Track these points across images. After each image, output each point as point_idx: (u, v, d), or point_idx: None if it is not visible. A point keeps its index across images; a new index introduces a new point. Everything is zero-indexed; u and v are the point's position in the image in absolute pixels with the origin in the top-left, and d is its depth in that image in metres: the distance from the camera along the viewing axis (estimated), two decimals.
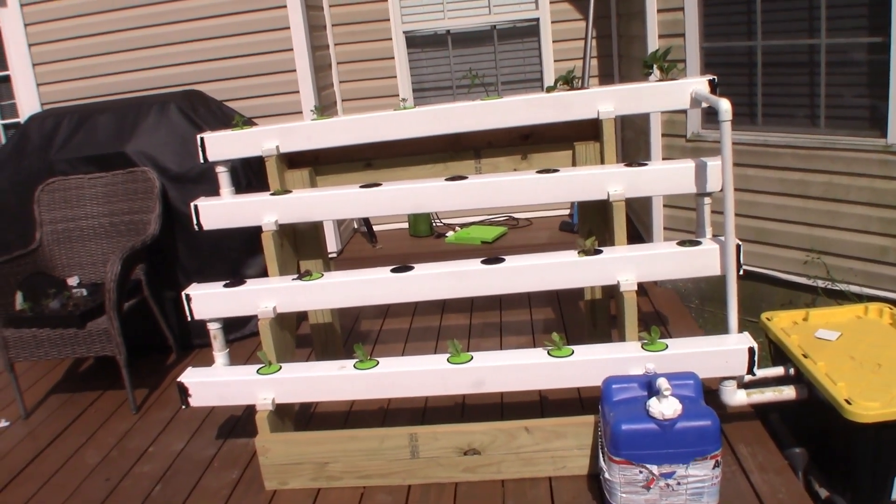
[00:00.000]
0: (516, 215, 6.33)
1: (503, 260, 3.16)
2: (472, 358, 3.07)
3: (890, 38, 3.80)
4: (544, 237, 5.79)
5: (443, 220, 6.37)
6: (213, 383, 3.26)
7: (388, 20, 6.12)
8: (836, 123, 4.21)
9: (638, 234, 5.52)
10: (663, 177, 3.18)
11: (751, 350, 2.96)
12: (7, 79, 5.97)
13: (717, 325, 4.79)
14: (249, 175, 4.49)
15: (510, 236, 5.88)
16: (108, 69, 5.68)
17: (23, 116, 5.75)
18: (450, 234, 6.00)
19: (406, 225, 6.32)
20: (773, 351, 3.49)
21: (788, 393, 3.19)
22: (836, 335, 3.34)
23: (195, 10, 5.47)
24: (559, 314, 4.70)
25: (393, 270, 3.23)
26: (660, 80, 3.28)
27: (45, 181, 4.46)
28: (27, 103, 5.80)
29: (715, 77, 3.17)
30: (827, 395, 2.89)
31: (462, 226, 6.22)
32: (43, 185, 4.44)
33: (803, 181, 4.32)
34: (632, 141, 5.76)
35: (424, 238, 6.10)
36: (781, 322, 3.52)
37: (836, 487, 2.99)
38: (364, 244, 6.10)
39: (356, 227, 6.51)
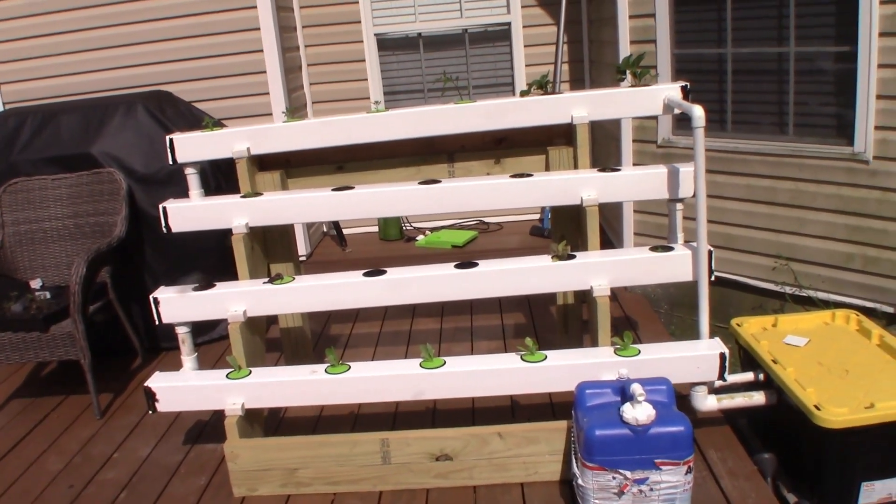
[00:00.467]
0: (487, 219, 6.33)
1: (477, 265, 3.15)
2: (444, 363, 3.06)
3: (857, 47, 3.85)
4: (515, 241, 5.79)
5: (413, 224, 6.34)
6: (182, 388, 3.21)
7: (360, 22, 6.09)
8: (803, 131, 4.26)
9: (608, 238, 5.54)
10: (636, 182, 3.19)
11: (722, 355, 2.98)
12: None
13: (685, 330, 4.82)
14: (219, 178, 4.43)
15: (480, 240, 5.88)
16: (73, 68, 5.58)
17: None
18: (420, 237, 5.99)
19: (376, 228, 6.29)
20: (743, 356, 3.52)
21: (758, 398, 3.21)
22: (805, 341, 3.37)
23: (163, 9, 5.39)
24: (530, 319, 4.70)
25: (366, 274, 3.21)
26: (632, 86, 3.30)
27: (7, 182, 4.36)
28: None
29: (688, 84, 3.19)
30: (796, 401, 2.91)
31: (432, 229, 6.20)
32: (5, 186, 4.35)
33: (771, 188, 4.36)
34: (601, 146, 5.78)
35: (394, 242, 6.08)
36: (751, 328, 3.54)
37: (805, 493, 3.01)
38: (333, 247, 6.06)
39: (325, 230, 6.47)
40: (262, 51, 5.37)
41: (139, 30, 5.44)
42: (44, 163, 4.43)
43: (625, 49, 4.75)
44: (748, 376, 3.32)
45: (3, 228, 4.33)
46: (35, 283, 4.23)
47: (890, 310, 4.00)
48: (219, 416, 3.65)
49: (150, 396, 3.21)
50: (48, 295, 4.09)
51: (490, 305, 4.94)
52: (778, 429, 3.22)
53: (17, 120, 4.57)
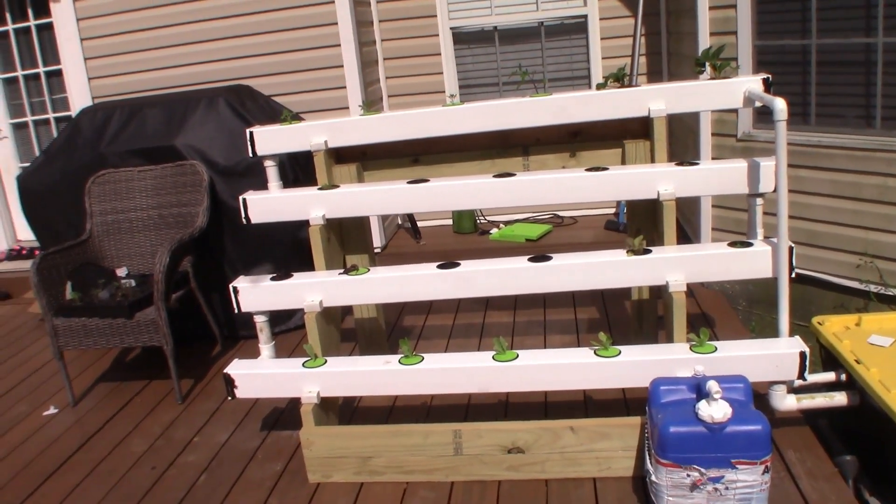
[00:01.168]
0: (561, 213, 6.29)
1: (551, 258, 3.14)
2: (517, 356, 3.06)
3: None
4: (589, 236, 5.75)
5: (487, 217, 6.35)
6: (260, 375, 3.29)
7: (435, 16, 6.11)
8: (892, 125, 4.11)
9: (684, 234, 5.45)
10: (715, 177, 3.13)
11: (802, 354, 2.90)
12: (59, 73, 6.09)
13: (764, 329, 4.71)
14: (296, 170, 4.51)
15: (555, 234, 5.85)
16: (158, 64, 5.75)
17: (74, 110, 5.85)
18: (494, 231, 5.99)
19: (450, 221, 6.31)
20: (824, 356, 3.42)
21: (840, 399, 3.12)
22: (890, 341, 3.26)
23: (243, 5, 5.51)
24: (604, 313, 4.66)
25: (439, 267, 3.23)
26: (712, 79, 3.24)
27: (95, 173, 4.53)
28: (78, 97, 5.89)
29: (769, 76, 3.12)
30: (880, 403, 2.82)
31: (506, 223, 6.20)
32: (94, 177, 4.51)
33: (857, 183, 4.23)
34: (679, 140, 5.69)
35: (468, 235, 6.09)
36: (833, 326, 3.44)
37: (888, 497, 2.93)
38: (408, 240, 6.11)
39: (400, 222, 6.52)
40: (339, 45, 5.44)
41: (220, 25, 5.58)
42: (130, 155, 4.58)
43: (704, 41, 4.66)
44: (829, 376, 3.24)
45: (92, 218, 4.49)
46: (121, 272, 4.38)
47: None
48: (295, 403, 3.72)
49: (229, 383, 3.30)
50: (133, 283, 4.23)
51: (563, 299, 4.91)
52: (860, 431, 3.13)
53: (105, 113, 4.73)
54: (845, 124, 4.31)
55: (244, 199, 3.49)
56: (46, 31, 6.08)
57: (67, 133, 4.78)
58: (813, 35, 4.33)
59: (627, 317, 4.52)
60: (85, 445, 3.72)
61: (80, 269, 4.32)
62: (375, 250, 5.69)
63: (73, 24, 5.77)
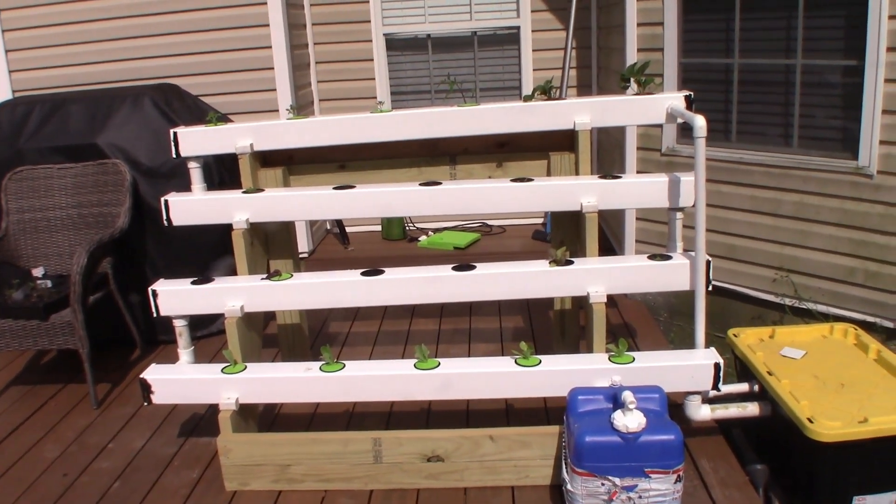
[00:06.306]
0: (490, 222, 6.33)
1: (474, 267, 3.16)
2: (439, 364, 3.06)
3: (864, 61, 3.85)
4: (517, 245, 5.80)
5: (416, 225, 6.35)
6: (177, 381, 3.22)
7: (369, 22, 6.10)
8: (808, 144, 4.25)
9: (610, 245, 5.54)
10: (637, 190, 3.19)
11: (717, 366, 2.97)
12: None
13: (684, 339, 4.81)
14: (222, 172, 4.44)
15: (483, 243, 5.88)
16: (82, 59, 5.60)
17: None
18: (423, 238, 5.99)
19: (379, 228, 6.30)
20: (739, 367, 3.52)
21: (752, 409, 3.21)
22: (802, 354, 3.37)
23: (174, 2, 5.41)
24: (528, 322, 4.70)
25: (363, 273, 3.22)
26: (637, 94, 3.30)
27: (13, 169, 4.38)
28: None
29: (691, 93, 3.19)
30: (790, 413, 2.91)
31: (435, 230, 6.21)
32: (10, 174, 4.37)
33: (775, 199, 4.36)
34: (606, 153, 5.78)
35: (397, 241, 6.09)
36: (748, 339, 3.54)
37: None
38: (336, 245, 6.07)
39: (328, 228, 6.48)
40: (270, 47, 5.38)
41: (149, 22, 5.47)
42: (50, 152, 4.45)
43: (632, 56, 4.75)
44: (743, 387, 3.33)
45: (8, 216, 4.35)
46: (37, 272, 4.25)
47: (890, 325, 3.99)
48: (214, 409, 3.64)
49: (146, 388, 3.22)
50: (49, 284, 4.11)
51: (489, 308, 4.94)
52: (771, 440, 3.22)
53: (25, 108, 4.59)
54: (765, 142, 4.44)
55: (166, 201, 3.43)
56: None
57: None
58: (735, 55, 4.46)
59: (551, 326, 4.56)
60: None
61: None
62: (303, 255, 5.64)
63: None
